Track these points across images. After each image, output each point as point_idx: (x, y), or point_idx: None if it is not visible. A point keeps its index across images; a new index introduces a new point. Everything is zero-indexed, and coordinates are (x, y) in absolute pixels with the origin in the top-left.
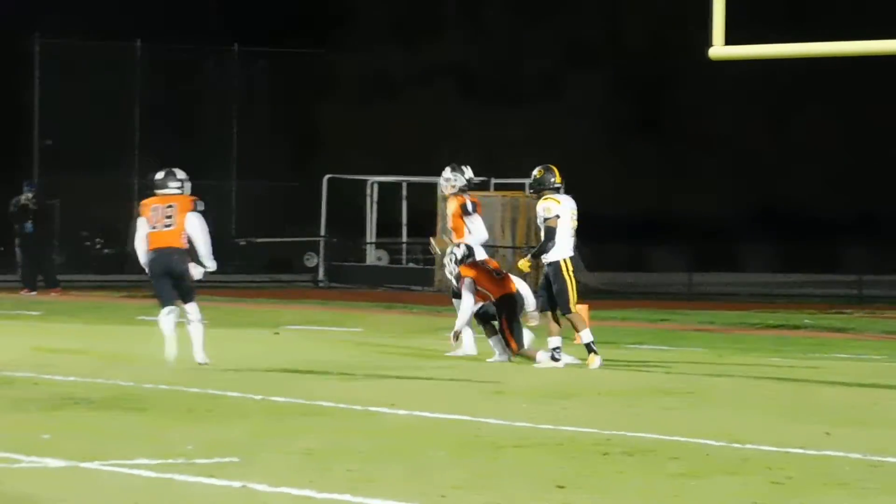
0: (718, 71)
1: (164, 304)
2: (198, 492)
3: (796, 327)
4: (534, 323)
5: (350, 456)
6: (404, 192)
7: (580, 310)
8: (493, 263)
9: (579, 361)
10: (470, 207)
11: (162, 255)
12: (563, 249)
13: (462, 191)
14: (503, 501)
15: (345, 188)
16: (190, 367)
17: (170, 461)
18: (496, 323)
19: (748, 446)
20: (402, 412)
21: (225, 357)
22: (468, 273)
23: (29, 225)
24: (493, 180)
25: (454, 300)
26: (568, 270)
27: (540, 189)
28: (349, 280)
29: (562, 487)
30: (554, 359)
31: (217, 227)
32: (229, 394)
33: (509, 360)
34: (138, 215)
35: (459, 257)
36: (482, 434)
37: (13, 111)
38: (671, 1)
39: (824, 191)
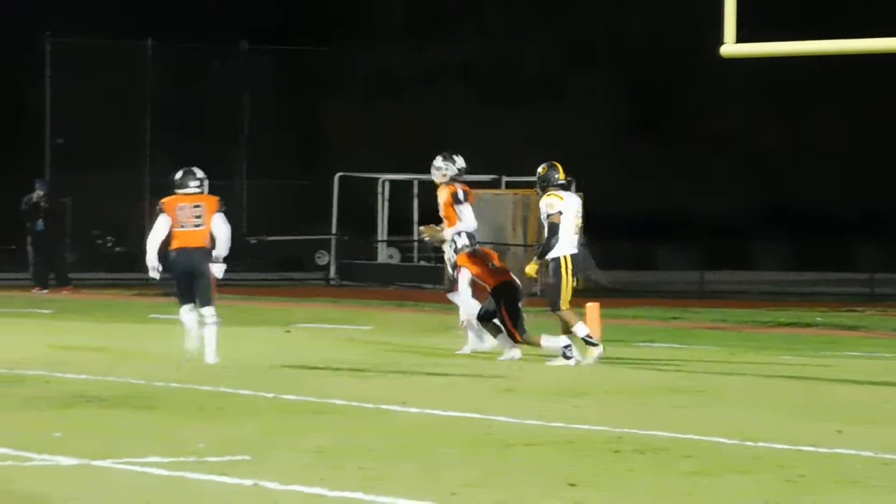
0: (731, 70)
1: (184, 301)
2: (209, 490)
3: (808, 325)
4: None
5: (361, 454)
6: (416, 190)
7: (590, 308)
8: (494, 256)
9: (594, 359)
10: (461, 196)
11: (186, 255)
12: (565, 246)
13: (453, 179)
14: (514, 499)
15: (356, 186)
16: (201, 365)
17: (181, 459)
18: (497, 321)
19: (760, 444)
20: (413, 410)
21: (236, 355)
22: (465, 263)
23: (40, 223)
24: (505, 178)
25: (448, 295)
26: (567, 268)
27: (544, 186)
28: (360, 278)
29: (573, 485)
30: (565, 356)
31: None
32: (241, 392)
33: (520, 358)
34: (160, 212)
35: (459, 246)
36: (493, 432)
37: (24, 110)
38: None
39: (836, 189)
